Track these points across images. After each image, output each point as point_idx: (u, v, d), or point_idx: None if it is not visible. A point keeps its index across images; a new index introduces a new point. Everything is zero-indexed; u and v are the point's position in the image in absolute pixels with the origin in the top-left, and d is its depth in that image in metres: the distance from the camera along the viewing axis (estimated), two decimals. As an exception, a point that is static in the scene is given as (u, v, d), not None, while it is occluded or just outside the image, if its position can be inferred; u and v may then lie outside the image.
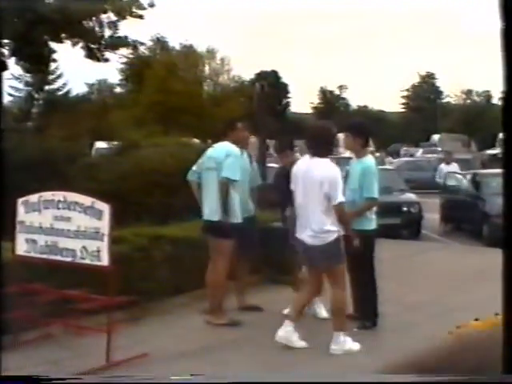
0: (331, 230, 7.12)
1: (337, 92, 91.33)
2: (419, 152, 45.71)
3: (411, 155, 42.67)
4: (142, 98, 45.63)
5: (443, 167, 21.32)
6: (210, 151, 8.51)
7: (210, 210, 8.21)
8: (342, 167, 7.85)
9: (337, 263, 7.23)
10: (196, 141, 19.14)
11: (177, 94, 42.89)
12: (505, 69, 1.25)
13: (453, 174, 19.60)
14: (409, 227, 17.02)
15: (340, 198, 7.09)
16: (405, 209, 16.85)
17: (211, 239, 8.22)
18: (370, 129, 9.14)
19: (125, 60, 51.76)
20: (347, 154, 27.95)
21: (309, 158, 7.30)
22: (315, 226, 7.12)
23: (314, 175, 7.10)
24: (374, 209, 8.13)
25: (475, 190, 17.41)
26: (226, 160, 8.14)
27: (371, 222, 8.06)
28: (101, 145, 21.36)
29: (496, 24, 1.28)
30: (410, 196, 17.74)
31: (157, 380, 0.69)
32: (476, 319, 4.80)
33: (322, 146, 7.25)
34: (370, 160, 8.22)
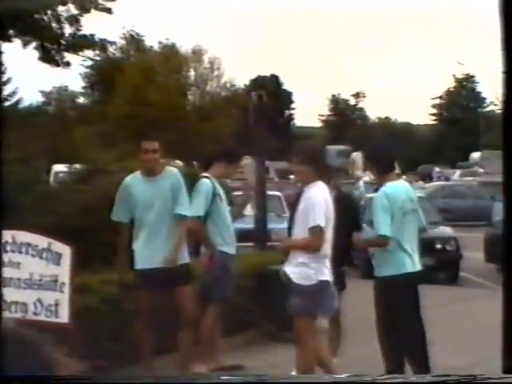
0: None
1: (352, 101, 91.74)
2: (456, 174, 45.78)
3: (446, 178, 42.74)
4: (112, 111, 45.83)
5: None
6: None
7: None
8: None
9: None
10: (179, 163, 19.15)
11: (155, 106, 43.06)
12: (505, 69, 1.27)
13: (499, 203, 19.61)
14: (444, 269, 16.99)
15: None
16: (439, 246, 16.84)
17: None
18: (391, 151, 9.02)
19: (90, 63, 52.21)
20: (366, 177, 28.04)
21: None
22: None
23: None
24: (408, 248, 8.04)
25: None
26: None
27: (395, 267, 8.01)
28: (60, 168, 21.36)
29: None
30: (446, 230, 17.72)
31: (159, 380, 0.68)
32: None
33: None
34: (387, 188, 8.10)
